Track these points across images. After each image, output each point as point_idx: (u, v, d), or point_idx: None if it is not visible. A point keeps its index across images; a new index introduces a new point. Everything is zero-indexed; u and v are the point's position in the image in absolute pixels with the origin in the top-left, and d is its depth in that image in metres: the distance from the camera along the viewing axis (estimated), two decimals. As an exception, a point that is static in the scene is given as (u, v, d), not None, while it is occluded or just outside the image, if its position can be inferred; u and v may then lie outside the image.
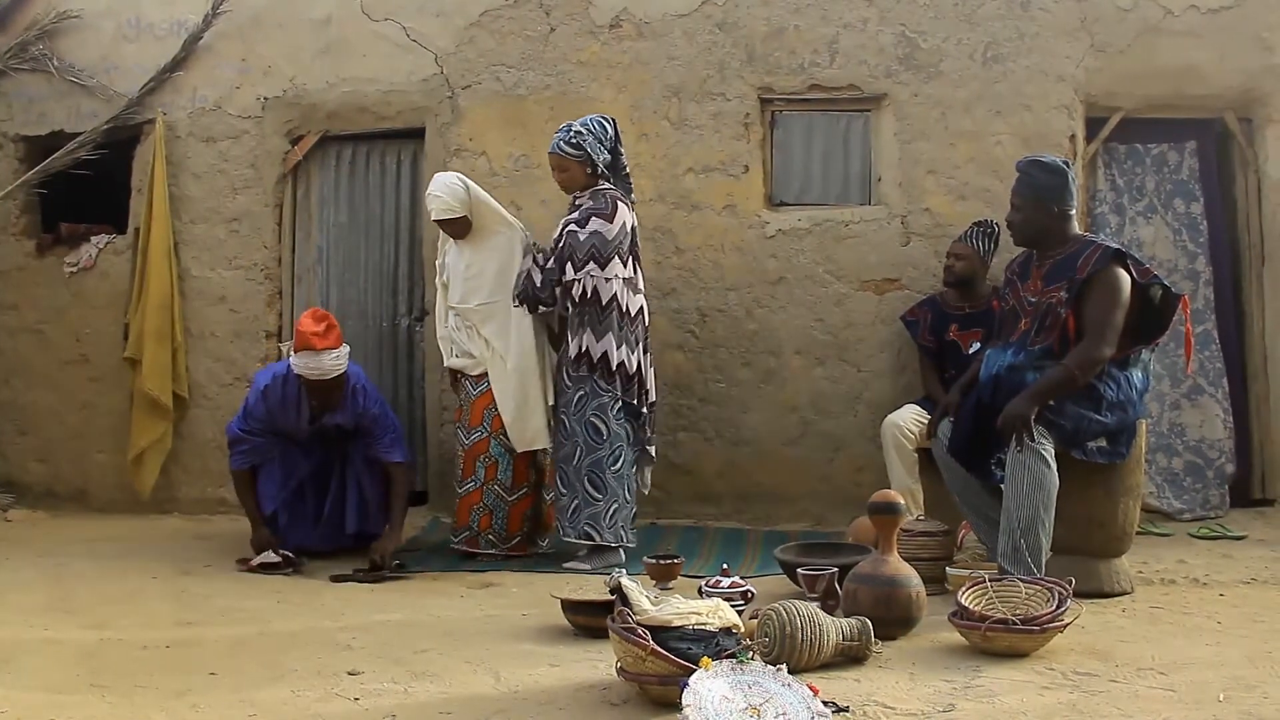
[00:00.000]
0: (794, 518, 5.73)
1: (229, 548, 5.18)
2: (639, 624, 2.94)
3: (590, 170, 4.91)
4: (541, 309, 4.99)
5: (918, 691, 3.03)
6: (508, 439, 4.94)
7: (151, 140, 6.18)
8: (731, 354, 5.82)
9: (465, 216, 4.99)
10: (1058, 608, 3.41)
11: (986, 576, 3.69)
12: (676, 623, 2.98)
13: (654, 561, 4.37)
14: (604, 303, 4.83)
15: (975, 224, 5.45)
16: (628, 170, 5.06)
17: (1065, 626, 3.39)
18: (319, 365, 4.84)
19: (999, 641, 3.34)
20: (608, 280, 4.83)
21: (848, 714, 2.83)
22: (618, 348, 4.82)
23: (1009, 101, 5.74)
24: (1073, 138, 5.74)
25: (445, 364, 5.23)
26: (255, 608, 4.15)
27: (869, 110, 5.92)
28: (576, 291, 4.82)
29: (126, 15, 6.33)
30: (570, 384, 4.85)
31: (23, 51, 6.33)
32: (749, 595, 3.99)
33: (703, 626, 3.00)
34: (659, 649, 2.86)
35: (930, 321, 5.44)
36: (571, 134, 4.89)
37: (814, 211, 5.88)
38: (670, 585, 4.26)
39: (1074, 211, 4.29)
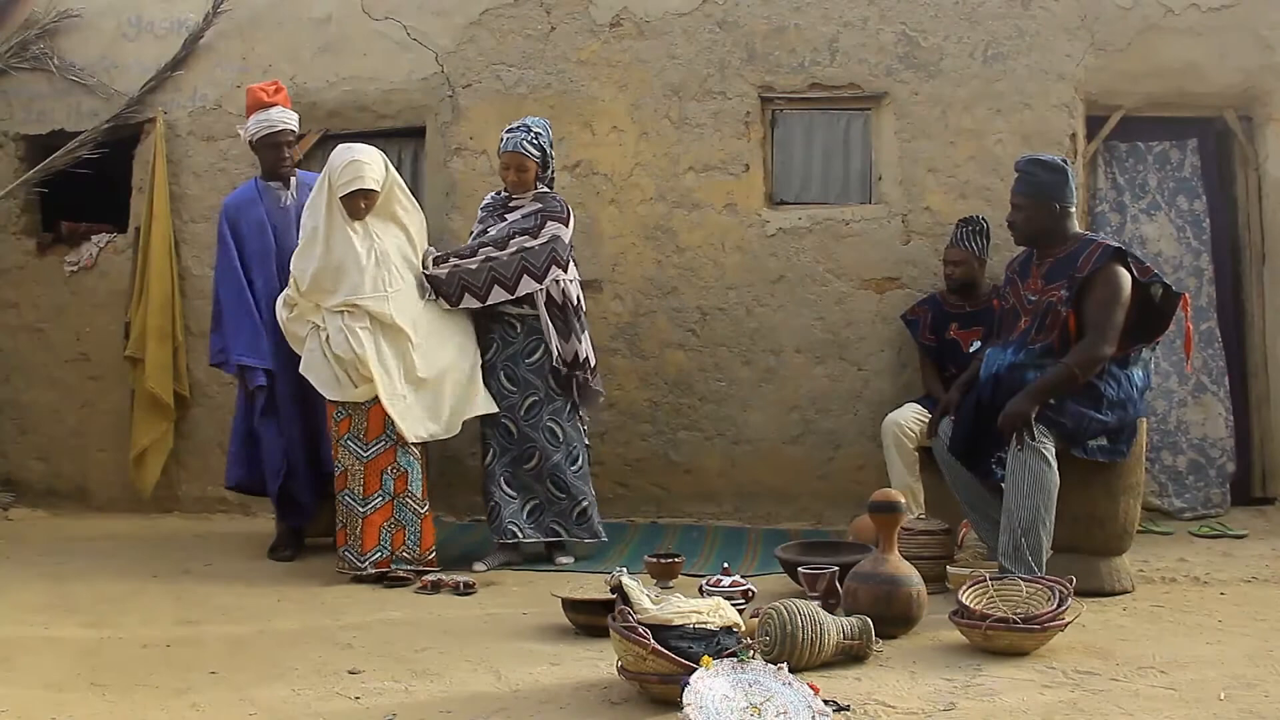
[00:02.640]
0: (794, 516, 5.72)
1: (230, 546, 5.19)
2: (640, 623, 2.94)
3: (541, 172, 4.93)
4: (465, 304, 4.81)
5: (918, 690, 3.03)
6: (416, 446, 4.67)
7: (152, 139, 6.17)
8: (732, 353, 5.82)
9: (377, 192, 4.72)
10: (1058, 606, 3.41)
11: (987, 575, 3.70)
12: (677, 621, 2.98)
13: (655, 560, 4.38)
14: (571, 305, 4.89)
15: (962, 223, 5.43)
16: (554, 172, 5.10)
17: (1066, 625, 3.40)
18: (269, 119, 5.04)
19: (1000, 640, 3.35)
20: (570, 281, 4.90)
21: (848, 712, 2.83)
22: (586, 344, 4.94)
23: (1009, 100, 5.74)
24: (1073, 136, 5.73)
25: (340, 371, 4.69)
26: (255, 606, 4.15)
27: (869, 109, 5.92)
28: (542, 299, 4.81)
29: (127, 14, 6.32)
30: (516, 389, 4.85)
31: (23, 50, 6.32)
32: (750, 594, 3.99)
33: (704, 625, 3.00)
34: (660, 648, 2.86)
35: (930, 320, 5.44)
36: (532, 135, 4.86)
37: (814, 210, 5.87)
38: (671, 584, 4.27)
39: (1074, 209, 4.30)
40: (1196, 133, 5.93)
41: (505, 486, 4.82)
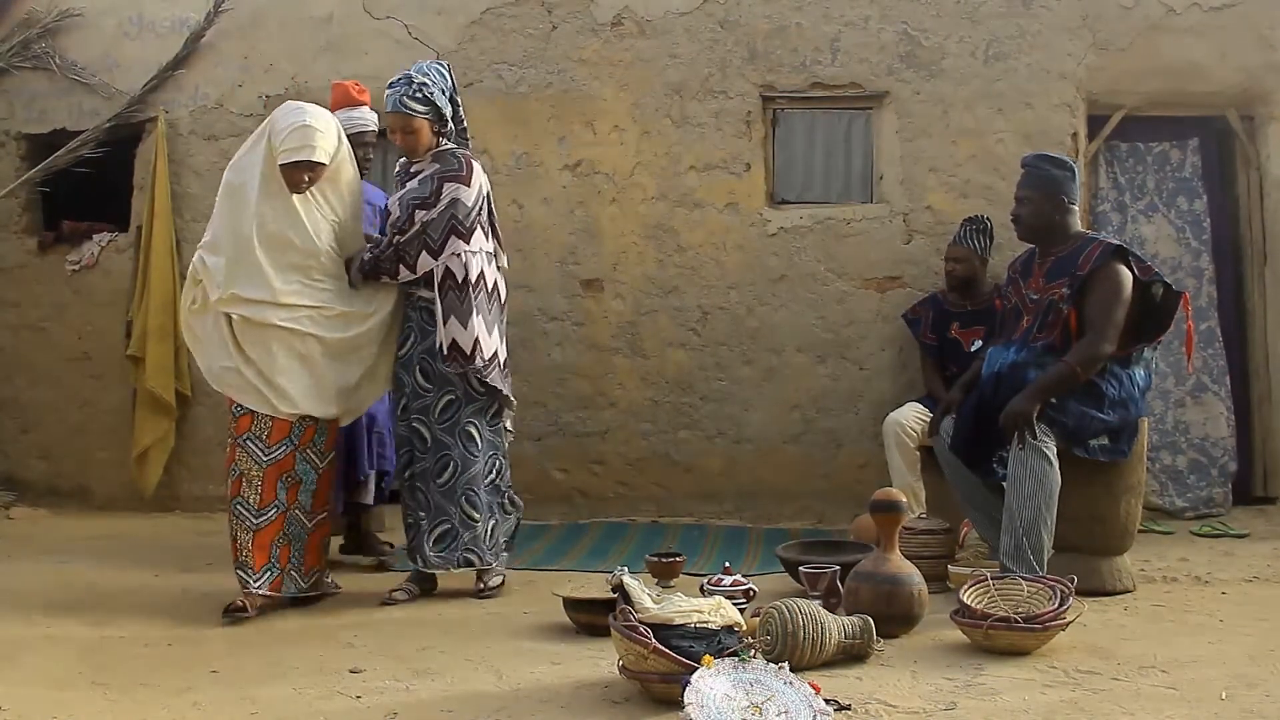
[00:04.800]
0: (796, 515, 5.73)
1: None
2: (641, 622, 2.94)
3: (438, 128, 4.20)
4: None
5: (919, 689, 3.03)
6: (315, 452, 4.10)
7: (153, 138, 6.17)
8: (733, 352, 5.82)
9: (325, 166, 4.05)
10: (1060, 606, 3.41)
11: (988, 574, 3.69)
12: (678, 621, 2.98)
13: (656, 559, 4.38)
14: (470, 281, 4.14)
15: (966, 221, 5.44)
16: (465, 124, 4.38)
17: (1067, 625, 3.39)
18: (361, 117, 4.72)
19: (1001, 639, 3.34)
20: (473, 254, 4.17)
21: (849, 712, 2.83)
22: (489, 334, 4.18)
23: (1011, 99, 5.74)
24: (1074, 135, 5.73)
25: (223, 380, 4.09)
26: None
27: (871, 108, 5.92)
28: (437, 276, 4.11)
29: (128, 13, 6.32)
30: (432, 386, 4.16)
31: (25, 49, 6.32)
32: (751, 593, 3.99)
33: (705, 624, 3.00)
34: (661, 647, 2.86)
35: (932, 319, 5.44)
36: (415, 87, 4.12)
37: (815, 209, 5.87)
38: (672, 583, 4.26)
39: (1076, 208, 4.31)
40: (1198, 132, 5.92)
41: (419, 505, 4.16)
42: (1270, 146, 5.81)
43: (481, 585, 4.23)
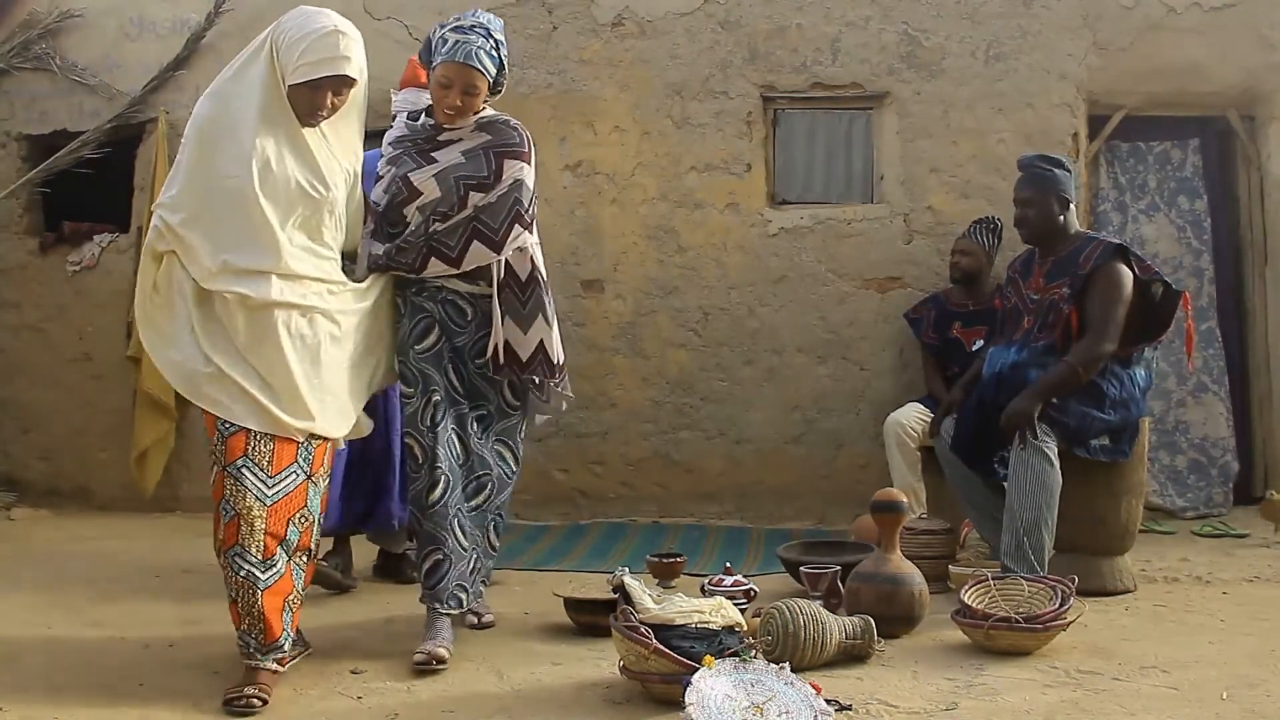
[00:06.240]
0: (796, 516, 5.72)
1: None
2: (642, 622, 2.94)
3: (489, 95, 3.45)
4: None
5: (920, 690, 3.02)
6: (324, 480, 3.14)
7: (154, 139, 6.18)
8: (734, 352, 5.82)
9: (355, 81, 3.09)
10: (1060, 606, 3.41)
11: (989, 574, 3.69)
12: (679, 621, 2.98)
13: (656, 560, 4.38)
14: (535, 279, 3.51)
15: (977, 221, 5.45)
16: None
17: (1068, 625, 3.39)
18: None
19: (1002, 640, 3.34)
20: (537, 245, 3.54)
21: (850, 712, 2.83)
22: (557, 333, 3.56)
23: (1011, 99, 5.74)
24: (1075, 136, 5.73)
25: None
26: (258, 606, 4.15)
27: (871, 108, 5.92)
28: (499, 274, 3.43)
29: (129, 14, 6.34)
30: (464, 397, 3.46)
31: (25, 50, 6.33)
32: (751, 593, 3.99)
33: (705, 625, 3.00)
34: (662, 647, 2.86)
35: (933, 319, 5.44)
36: (493, 43, 3.37)
37: (816, 210, 5.87)
38: (673, 583, 4.26)
39: (1074, 207, 4.33)
40: (1198, 132, 5.93)
41: (459, 533, 3.42)
42: (1271, 146, 5.81)
43: (477, 619, 3.75)
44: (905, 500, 3.82)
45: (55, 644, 3.58)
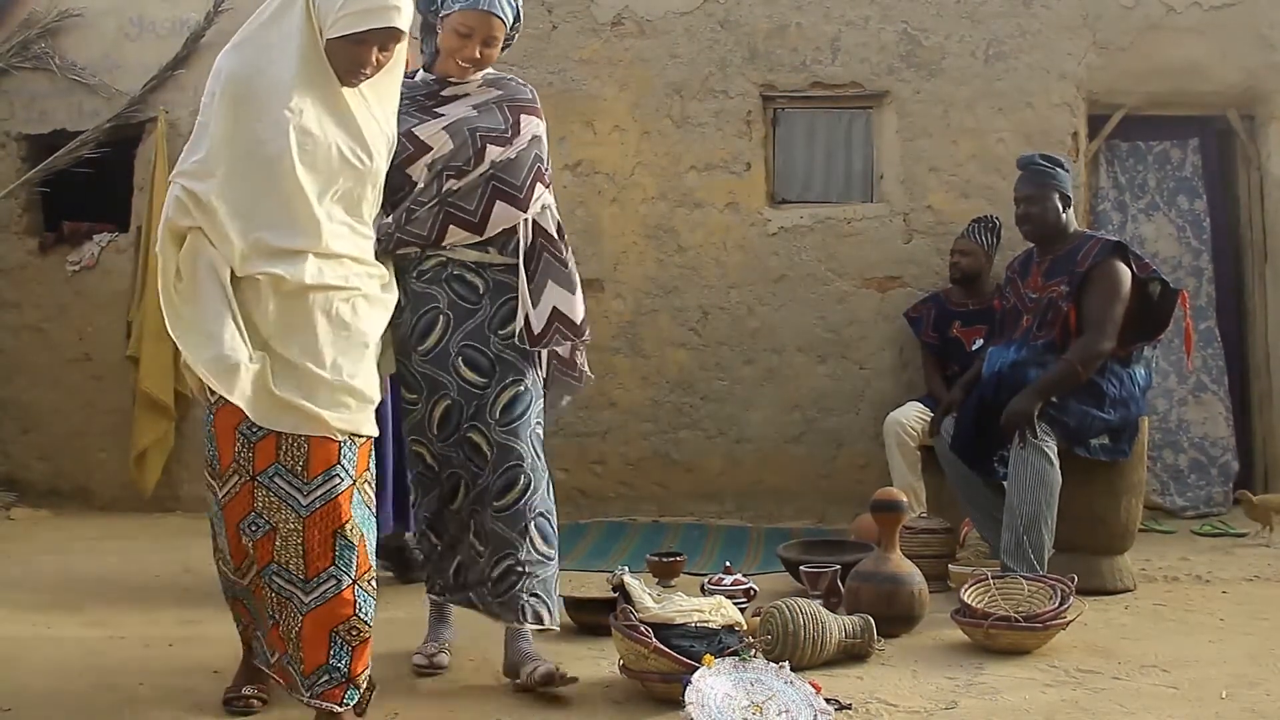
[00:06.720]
0: (796, 515, 5.72)
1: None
2: (642, 621, 2.94)
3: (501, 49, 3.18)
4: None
5: (920, 689, 3.02)
6: (370, 486, 2.70)
7: (154, 138, 6.18)
8: (733, 352, 5.82)
9: (402, 34, 2.71)
10: (1060, 605, 3.41)
11: (989, 574, 3.69)
12: (679, 620, 2.98)
13: (656, 559, 4.38)
14: (563, 238, 3.24)
15: (976, 220, 5.45)
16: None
17: (1068, 624, 3.39)
18: None
19: (1001, 639, 3.34)
20: (553, 206, 3.25)
21: (850, 711, 2.83)
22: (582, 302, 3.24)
23: (1011, 99, 5.74)
24: (1075, 135, 5.74)
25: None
26: (258, 605, 4.15)
27: (871, 108, 5.92)
28: (525, 236, 3.13)
29: (128, 13, 6.33)
30: (487, 380, 3.06)
31: (24, 50, 6.32)
32: (751, 593, 3.99)
33: (705, 624, 3.00)
34: (662, 646, 2.86)
35: (933, 318, 5.44)
36: None
37: (816, 209, 5.88)
38: (673, 583, 4.26)
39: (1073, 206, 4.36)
40: (1198, 131, 5.93)
41: (475, 538, 3.12)
42: (1270, 146, 5.81)
43: (549, 674, 2.96)
44: (905, 499, 3.82)
45: (55, 643, 3.58)
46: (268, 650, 2.69)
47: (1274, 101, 5.77)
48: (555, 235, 3.19)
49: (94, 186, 6.30)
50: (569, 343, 3.23)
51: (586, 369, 3.38)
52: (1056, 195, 4.25)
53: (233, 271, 2.54)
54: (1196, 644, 3.45)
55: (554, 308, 3.14)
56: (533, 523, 3.05)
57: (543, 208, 3.16)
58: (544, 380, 3.22)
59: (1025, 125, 5.73)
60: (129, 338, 6.12)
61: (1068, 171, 4.32)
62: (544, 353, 3.19)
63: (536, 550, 3.06)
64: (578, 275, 3.24)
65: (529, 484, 3.04)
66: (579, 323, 3.18)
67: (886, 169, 5.87)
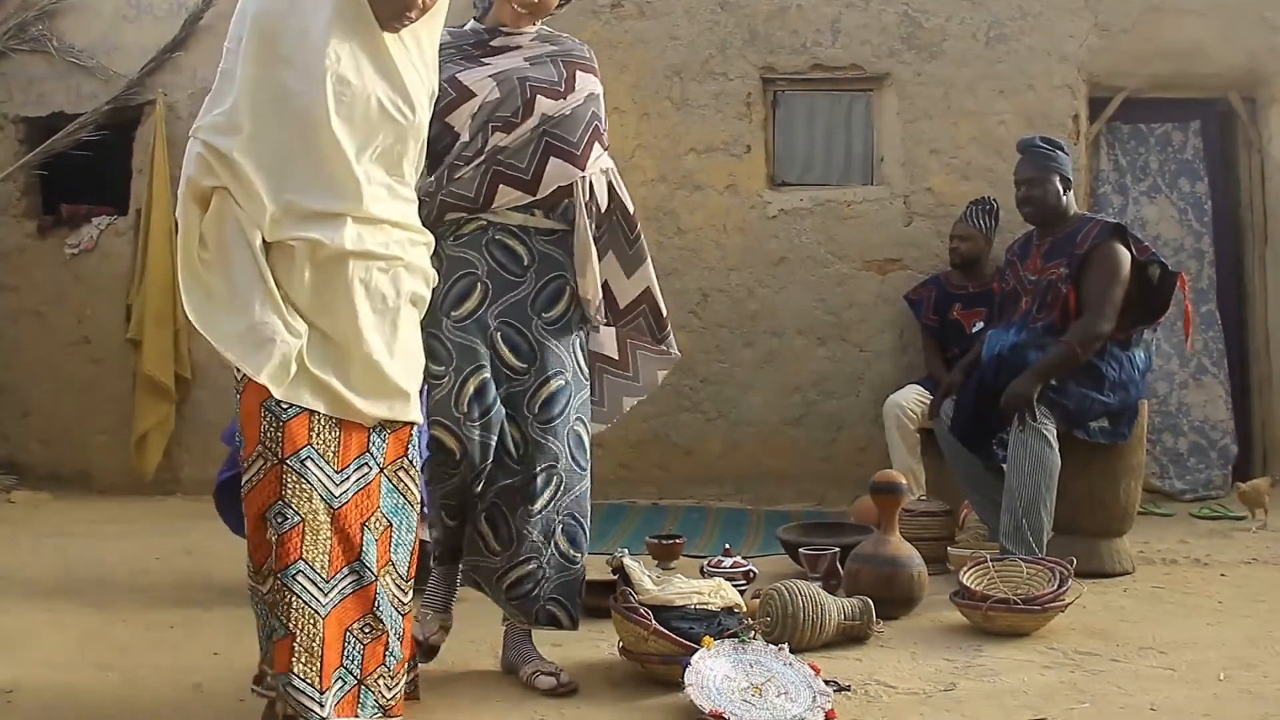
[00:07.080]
0: (796, 498, 5.73)
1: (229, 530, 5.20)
2: (641, 603, 2.94)
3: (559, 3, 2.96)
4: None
5: (919, 670, 3.03)
6: (407, 474, 2.51)
7: (152, 121, 6.16)
8: (733, 334, 5.82)
9: None
10: (1059, 587, 3.41)
11: (988, 556, 3.70)
12: (679, 602, 2.98)
13: (656, 541, 4.38)
14: (632, 210, 3.02)
15: (973, 203, 5.44)
16: None
17: (1066, 606, 3.40)
18: None
19: (1000, 621, 3.35)
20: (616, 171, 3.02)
21: (849, 693, 2.84)
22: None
23: (1012, 81, 5.72)
24: (1076, 117, 5.72)
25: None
26: (258, 588, 4.15)
27: (871, 90, 5.90)
28: (582, 199, 2.87)
29: (126, -4, 6.32)
30: (526, 366, 2.84)
31: (22, 32, 6.31)
32: (751, 575, 4.00)
33: (705, 606, 3.00)
34: (661, 628, 2.86)
35: (933, 301, 5.44)
36: None
37: (816, 191, 5.86)
38: (672, 565, 4.27)
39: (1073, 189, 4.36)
40: (1199, 114, 5.91)
41: (490, 533, 2.88)
42: (1272, 129, 5.80)
43: (550, 689, 2.85)
44: (904, 482, 3.82)
45: (56, 627, 3.59)
46: (269, 665, 2.35)
47: (1275, 84, 5.75)
48: (631, 208, 2.96)
49: (92, 169, 6.29)
50: (646, 338, 3.11)
51: (669, 351, 3.25)
52: (1057, 178, 4.25)
53: (262, 237, 2.28)
54: (1194, 626, 3.46)
55: (646, 288, 2.98)
56: (560, 525, 2.88)
57: (602, 171, 2.91)
58: (586, 373, 2.96)
59: (1026, 107, 5.71)
60: (128, 321, 6.12)
61: (1068, 154, 4.33)
62: (586, 349, 2.97)
63: (560, 553, 2.90)
64: (650, 262, 3.04)
65: (560, 484, 2.86)
66: (623, 308, 2.99)
67: (887, 151, 5.85)
